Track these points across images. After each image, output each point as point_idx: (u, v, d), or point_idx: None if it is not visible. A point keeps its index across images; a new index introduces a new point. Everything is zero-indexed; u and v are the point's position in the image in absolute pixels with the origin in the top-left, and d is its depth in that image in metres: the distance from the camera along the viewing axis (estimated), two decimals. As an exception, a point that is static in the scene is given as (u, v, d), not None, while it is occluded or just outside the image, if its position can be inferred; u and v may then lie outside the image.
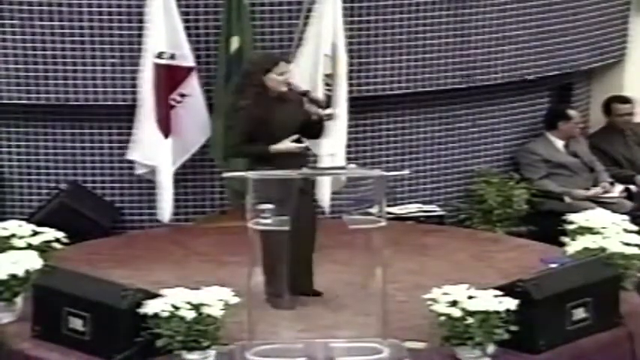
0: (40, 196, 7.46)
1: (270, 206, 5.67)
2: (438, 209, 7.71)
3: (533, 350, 5.47)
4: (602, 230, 6.28)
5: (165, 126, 7.19)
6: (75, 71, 7.29)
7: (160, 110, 7.16)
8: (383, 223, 5.63)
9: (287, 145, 5.94)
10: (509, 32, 7.90)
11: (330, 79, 7.19)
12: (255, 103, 5.94)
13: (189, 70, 7.22)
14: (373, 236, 5.64)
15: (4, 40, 7.23)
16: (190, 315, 5.32)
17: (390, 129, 7.80)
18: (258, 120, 5.93)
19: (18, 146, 7.51)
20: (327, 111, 6.10)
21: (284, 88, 6.02)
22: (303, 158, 6.06)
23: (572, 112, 8.13)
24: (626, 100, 8.36)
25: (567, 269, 5.86)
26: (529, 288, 5.50)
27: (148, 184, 7.39)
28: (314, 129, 6.08)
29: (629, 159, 8.30)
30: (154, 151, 7.19)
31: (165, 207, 7.22)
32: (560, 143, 8.10)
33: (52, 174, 7.49)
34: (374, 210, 5.70)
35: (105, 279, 5.72)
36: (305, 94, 6.08)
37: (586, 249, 6.09)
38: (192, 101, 7.26)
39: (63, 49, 7.26)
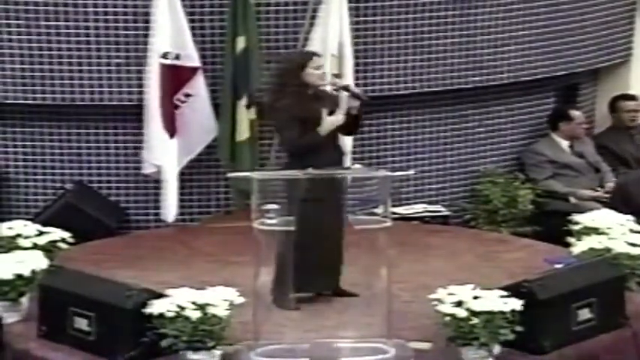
0: (45, 196, 7.47)
1: (275, 206, 5.69)
2: (443, 209, 7.71)
3: (539, 351, 5.47)
4: (607, 231, 6.27)
5: (171, 126, 7.20)
6: (80, 71, 7.30)
7: (165, 110, 7.17)
8: (388, 223, 5.63)
9: (332, 119, 5.92)
10: (516, 32, 7.89)
11: (338, 79, 7.18)
12: (294, 102, 5.92)
13: (194, 70, 7.22)
14: (378, 236, 5.64)
15: (9, 40, 7.24)
16: (195, 315, 5.32)
17: (395, 129, 7.79)
18: (299, 119, 5.92)
19: (24, 146, 7.52)
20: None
21: (322, 82, 6.01)
22: (338, 153, 6.04)
23: (573, 113, 8.11)
24: (631, 97, 8.37)
25: (572, 270, 5.86)
26: (534, 288, 5.50)
27: (153, 184, 7.40)
28: (351, 125, 6.05)
29: (637, 158, 8.29)
30: (160, 151, 7.19)
31: (170, 207, 7.23)
32: (565, 144, 8.09)
33: (57, 174, 7.50)
34: (379, 210, 5.70)
35: (110, 279, 5.73)
36: (346, 88, 6.05)
37: (591, 249, 6.08)
38: (198, 101, 7.26)
39: (68, 49, 7.26)
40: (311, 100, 5.96)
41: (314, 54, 6.12)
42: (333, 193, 5.88)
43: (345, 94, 6.01)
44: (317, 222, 5.83)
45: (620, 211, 6.55)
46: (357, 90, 6.05)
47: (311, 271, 5.89)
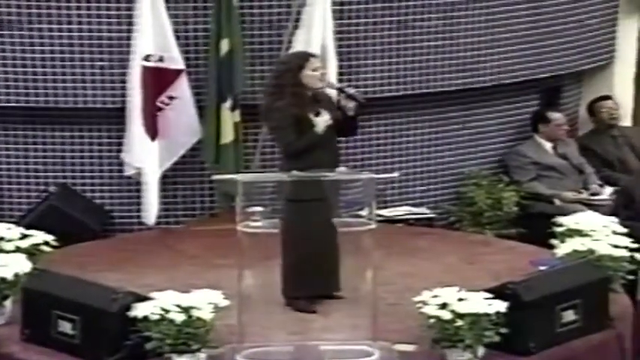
0: (29, 198, 7.45)
1: (259, 209, 5.69)
2: (428, 212, 7.72)
3: (523, 352, 5.48)
4: (591, 232, 6.29)
5: (152, 129, 7.18)
6: (64, 74, 7.27)
7: (146, 113, 7.15)
8: (373, 226, 5.63)
9: (323, 119, 5.92)
10: (499, 35, 7.91)
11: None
12: (292, 103, 5.92)
13: (178, 72, 7.21)
14: (363, 239, 5.65)
15: (-8, 42, 7.23)
16: (180, 318, 5.31)
17: (379, 131, 7.80)
18: (296, 119, 5.92)
19: (7, 149, 7.49)
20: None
21: (320, 84, 6.00)
22: (335, 154, 6.04)
23: (552, 115, 8.12)
24: (607, 98, 8.40)
25: (557, 271, 5.87)
26: (519, 290, 5.51)
27: (137, 186, 7.38)
28: (349, 126, 6.06)
29: (620, 160, 8.32)
30: (142, 154, 7.18)
31: (151, 210, 7.21)
32: (548, 145, 8.11)
33: (41, 177, 7.47)
34: (364, 212, 5.71)
35: (94, 282, 5.71)
36: (341, 89, 6.05)
37: (575, 251, 6.10)
38: (181, 104, 7.25)
39: (52, 52, 7.24)
40: (309, 102, 5.97)
41: (311, 55, 6.13)
42: (329, 194, 5.89)
43: (341, 95, 6.01)
44: (318, 222, 5.84)
45: (622, 214, 6.57)
46: (352, 91, 6.05)
47: (311, 272, 5.89)
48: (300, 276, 5.91)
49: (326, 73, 6.13)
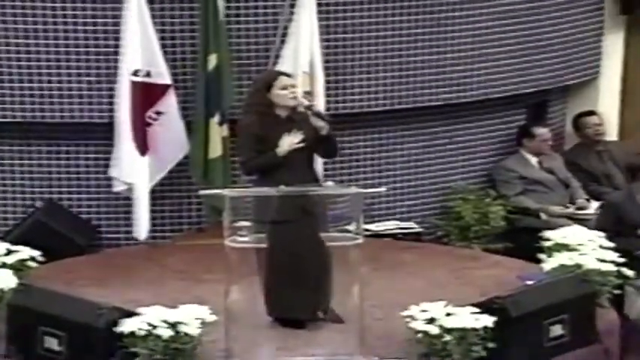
0: (15, 214, 7.42)
1: (247, 224, 5.67)
2: (415, 226, 7.72)
3: (511, 367, 5.49)
4: (578, 247, 6.30)
5: (142, 144, 7.18)
6: (51, 89, 7.26)
7: (136, 128, 7.14)
8: (360, 240, 5.63)
9: (288, 141, 5.82)
10: (486, 50, 7.93)
11: (309, 97, 7.19)
12: (258, 123, 5.88)
13: (165, 87, 7.21)
14: (350, 253, 5.64)
15: (-21, 57, 7.21)
16: (167, 333, 5.30)
17: (367, 146, 7.81)
18: (261, 139, 5.86)
19: (-7, 164, 7.48)
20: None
21: (292, 103, 5.92)
22: (306, 175, 5.93)
23: (536, 130, 8.14)
24: (592, 113, 8.43)
25: (544, 286, 5.88)
26: (506, 305, 5.52)
27: (124, 201, 7.37)
28: (328, 145, 5.97)
29: (606, 175, 8.34)
30: (132, 169, 7.17)
31: (142, 224, 7.20)
32: (534, 160, 8.13)
33: (27, 192, 7.45)
34: (351, 227, 5.71)
35: (81, 297, 5.69)
36: (309, 107, 6.00)
37: (562, 266, 6.12)
38: (169, 119, 7.24)
39: (39, 67, 7.23)
40: (280, 123, 5.90)
41: (281, 73, 6.07)
42: (304, 215, 5.79)
43: (309, 113, 5.97)
44: (287, 245, 5.77)
45: (610, 231, 6.55)
46: (319, 110, 6.02)
47: (287, 296, 5.83)
48: (284, 298, 5.83)
49: (297, 92, 6.02)
